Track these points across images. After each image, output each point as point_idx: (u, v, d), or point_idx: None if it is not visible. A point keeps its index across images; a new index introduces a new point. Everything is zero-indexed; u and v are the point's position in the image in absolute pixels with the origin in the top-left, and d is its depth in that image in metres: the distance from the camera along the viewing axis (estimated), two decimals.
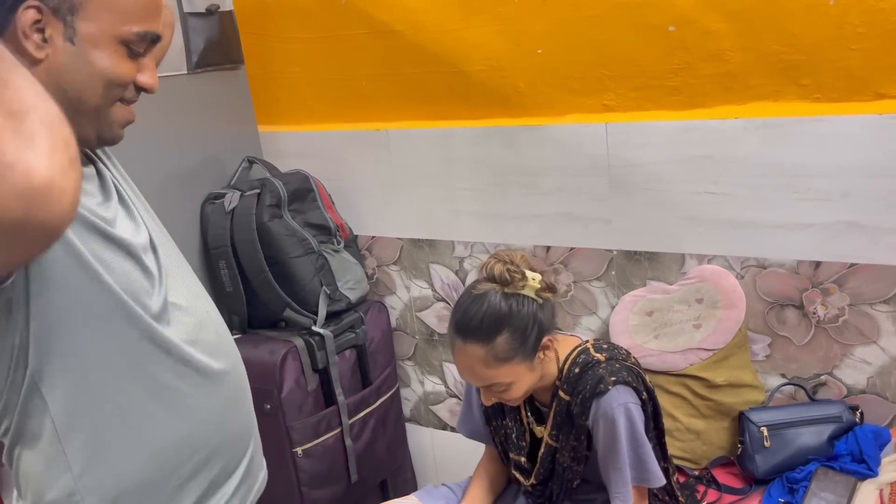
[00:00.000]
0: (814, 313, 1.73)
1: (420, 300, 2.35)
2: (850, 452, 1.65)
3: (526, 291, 1.34)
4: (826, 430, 1.68)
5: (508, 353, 1.32)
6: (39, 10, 0.81)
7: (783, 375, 1.82)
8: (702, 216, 1.80)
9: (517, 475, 1.54)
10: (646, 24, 1.72)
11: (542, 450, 1.47)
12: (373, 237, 2.31)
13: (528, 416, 1.50)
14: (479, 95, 1.98)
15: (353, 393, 2.14)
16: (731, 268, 1.80)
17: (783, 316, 1.77)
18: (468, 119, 2.03)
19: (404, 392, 2.48)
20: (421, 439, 2.50)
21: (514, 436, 1.52)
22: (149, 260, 0.97)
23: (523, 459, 1.51)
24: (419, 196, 2.16)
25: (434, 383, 2.42)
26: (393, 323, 2.39)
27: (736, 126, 1.69)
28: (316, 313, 2.04)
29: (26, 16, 0.80)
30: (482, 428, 1.62)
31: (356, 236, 2.31)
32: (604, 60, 1.80)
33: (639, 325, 1.87)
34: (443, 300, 2.30)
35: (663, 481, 1.39)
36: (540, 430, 1.48)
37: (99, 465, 0.94)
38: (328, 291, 2.06)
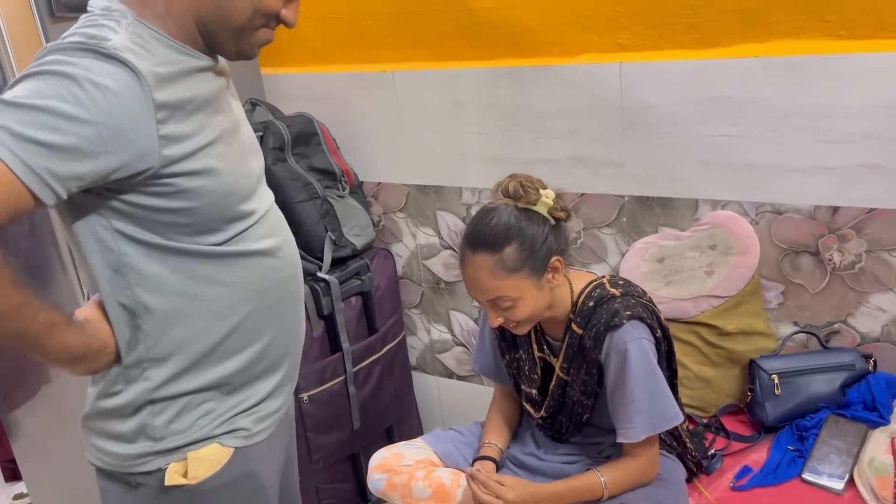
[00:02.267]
0: (829, 260, 1.69)
1: (427, 248, 2.31)
2: (863, 400, 1.63)
3: (538, 208, 1.33)
4: (838, 378, 1.66)
5: (516, 264, 1.30)
6: None
7: (796, 323, 1.79)
8: (717, 160, 1.74)
9: (528, 407, 1.53)
10: None
11: (552, 382, 1.46)
12: (378, 183, 2.26)
13: (540, 350, 1.48)
14: (488, 34, 1.91)
15: (359, 340, 2.13)
16: (745, 213, 1.75)
17: (798, 263, 1.74)
18: (476, 59, 1.97)
19: (410, 340, 2.46)
20: (427, 387, 2.49)
21: (526, 368, 1.51)
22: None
23: (535, 392, 1.50)
24: (426, 140, 2.11)
25: (440, 332, 2.41)
26: (399, 271, 2.37)
27: (755, 65, 1.63)
28: (321, 259, 2.01)
29: None
30: (495, 363, 1.60)
31: (362, 182, 2.26)
32: None
33: (649, 272, 1.84)
34: (450, 248, 2.27)
35: (681, 418, 1.37)
36: (555, 362, 1.46)
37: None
38: (333, 237, 2.03)
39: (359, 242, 2.12)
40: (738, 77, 1.65)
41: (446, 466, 1.55)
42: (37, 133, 0.83)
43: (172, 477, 1.04)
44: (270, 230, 1.12)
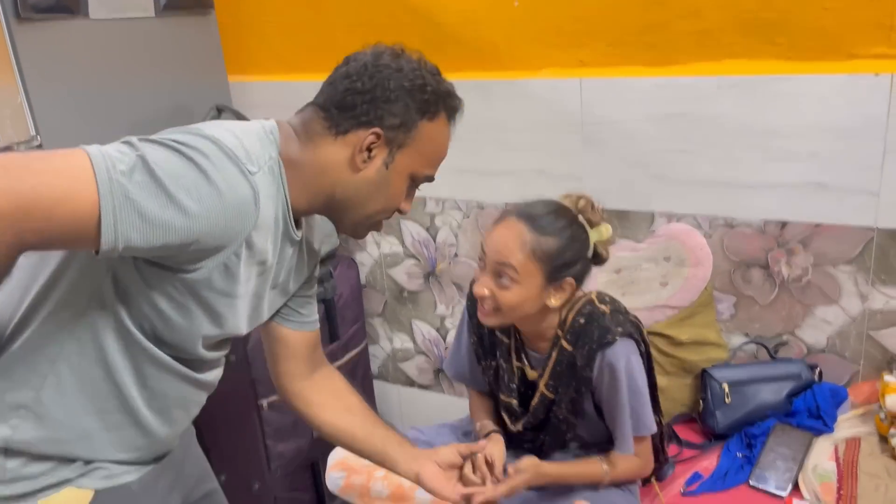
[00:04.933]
0: (778, 273, 1.76)
1: (391, 257, 2.33)
2: (808, 409, 1.68)
3: (591, 233, 1.34)
4: (785, 388, 1.72)
5: (544, 255, 1.28)
6: (378, 136, 1.01)
7: (746, 334, 1.84)
8: (672, 175, 1.80)
9: (506, 417, 1.52)
10: None
11: (535, 399, 1.45)
12: None
13: (519, 360, 1.48)
14: (454, 48, 1.96)
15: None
16: (699, 226, 1.81)
17: (748, 275, 1.79)
18: (443, 72, 2.00)
19: (372, 349, 2.47)
20: (388, 396, 2.50)
21: (505, 377, 1.49)
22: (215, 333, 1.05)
23: (515, 402, 1.49)
24: None
25: (403, 340, 2.42)
26: (362, 279, 2.38)
27: (710, 84, 1.69)
28: None
29: (369, 138, 1.00)
30: (469, 368, 1.59)
31: None
32: (581, 14, 1.78)
33: (607, 282, 1.88)
34: (413, 257, 2.29)
35: (654, 429, 1.40)
36: (533, 374, 1.46)
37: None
38: None
39: (322, 250, 2.12)
40: (693, 95, 1.71)
41: None
42: (146, 199, 0.81)
43: None
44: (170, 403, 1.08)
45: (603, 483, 1.41)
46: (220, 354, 1.13)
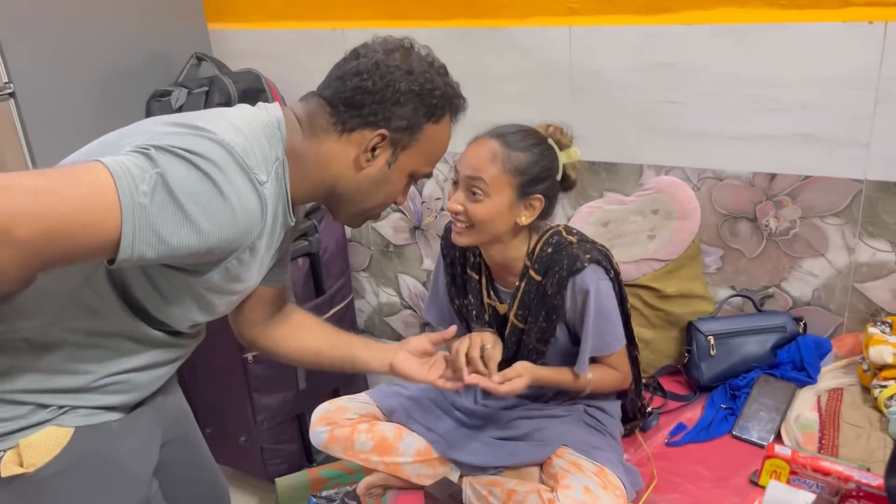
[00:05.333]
0: (766, 226, 1.75)
1: None
2: (792, 361, 1.69)
3: (561, 155, 1.37)
4: (770, 340, 1.72)
5: (514, 170, 1.32)
6: (384, 137, 1.01)
7: (732, 287, 1.84)
8: (662, 126, 1.78)
9: None
10: None
11: (507, 330, 1.47)
12: None
13: (489, 296, 1.49)
14: None
15: (306, 301, 2.12)
16: (688, 179, 1.79)
17: (736, 228, 1.79)
18: (428, 20, 1.96)
19: (358, 303, 2.46)
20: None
21: (474, 313, 1.51)
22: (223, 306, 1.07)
23: None
24: None
25: (389, 295, 2.41)
26: (348, 233, 2.36)
27: (701, 32, 1.66)
28: None
29: (375, 139, 1.01)
30: (448, 310, 1.60)
31: None
32: None
33: (594, 235, 1.84)
34: (399, 211, 2.26)
35: (619, 347, 1.43)
36: (503, 308, 1.47)
37: None
38: None
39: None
40: (684, 44, 1.68)
41: (389, 421, 1.56)
42: (164, 220, 0.83)
43: (8, 467, 0.96)
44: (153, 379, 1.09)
45: (585, 391, 1.43)
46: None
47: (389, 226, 2.31)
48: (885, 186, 1.60)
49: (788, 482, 0.67)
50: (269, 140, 0.97)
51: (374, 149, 1.02)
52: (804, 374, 1.67)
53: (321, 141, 1.01)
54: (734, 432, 1.58)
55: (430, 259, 2.29)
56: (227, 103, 1.94)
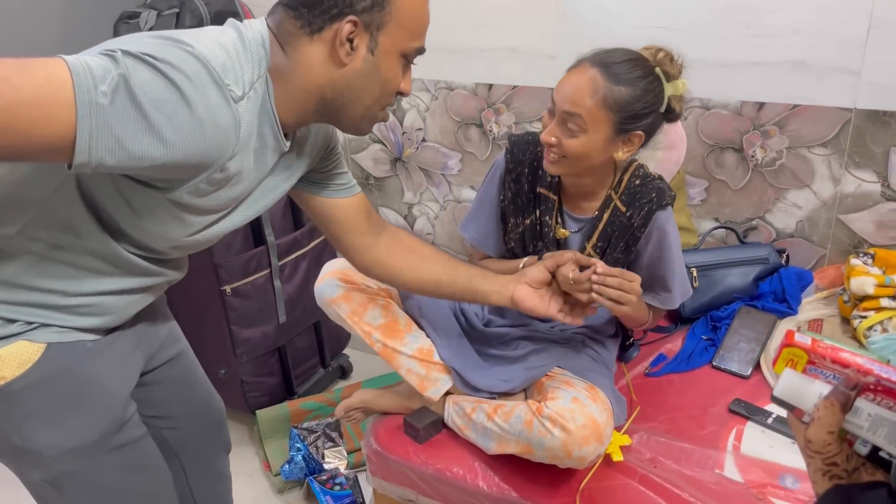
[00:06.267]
0: (752, 156, 1.72)
1: (356, 141, 2.25)
2: (774, 292, 1.69)
3: (667, 87, 1.29)
4: (752, 272, 1.72)
5: (616, 106, 1.24)
6: (355, 24, 0.93)
7: (716, 219, 1.83)
8: None
9: None
10: None
11: None
12: None
13: (556, 222, 1.45)
14: None
15: (285, 234, 2.08)
16: None
17: (722, 159, 1.76)
18: None
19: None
20: None
21: (550, 234, 1.44)
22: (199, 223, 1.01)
23: None
24: None
25: None
26: None
27: None
28: None
29: (345, 28, 0.93)
30: (492, 229, 1.52)
31: None
32: None
33: None
34: (380, 142, 2.21)
35: (691, 292, 1.46)
36: (563, 233, 1.44)
37: None
38: None
39: None
40: None
41: (403, 308, 1.51)
42: (124, 124, 0.79)
43: None
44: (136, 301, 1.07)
45: (634, 317, 1.41)
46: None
47: (369, 157, 2.26)
48: (874, 115, 1.57)
49: (805, 372, 0.66)
50: (253, 59, 0.92)
51: (350, 40, 0.95)
52: (785, 305, 1.67)
53: (296, 50, 0.96)
54: (714, 363, 1.59)
55: (412, 192, 2.25)
56: (199, 26, 1.86)
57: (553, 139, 1.29)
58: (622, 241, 1.40)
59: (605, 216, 1.40)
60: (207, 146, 0.86)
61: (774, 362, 0.75)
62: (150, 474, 1.14)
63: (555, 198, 1.44)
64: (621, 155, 1.31)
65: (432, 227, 2.27)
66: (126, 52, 0.80)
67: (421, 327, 1.50)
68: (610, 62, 1.26)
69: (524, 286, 1.29)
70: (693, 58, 1.67)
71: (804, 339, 0.71)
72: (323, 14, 0.93)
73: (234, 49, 0.89)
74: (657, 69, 1.28)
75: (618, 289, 1.23)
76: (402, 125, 2.15)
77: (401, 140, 2.18)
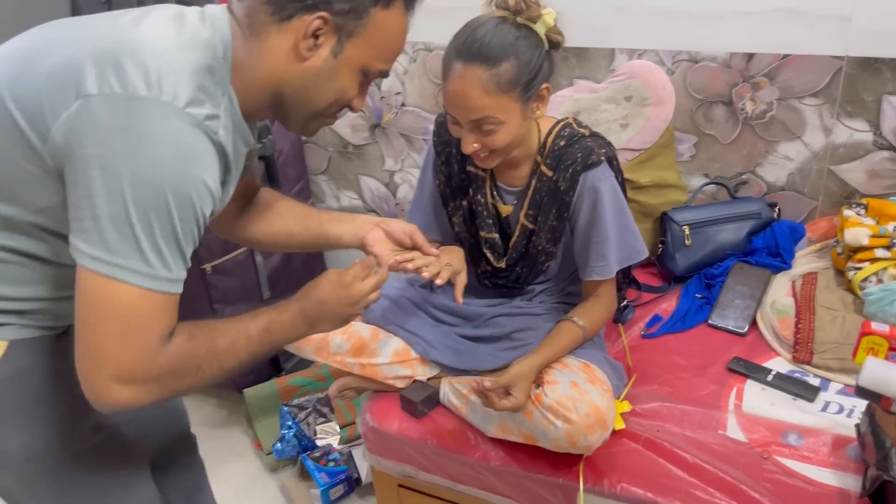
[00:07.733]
0: (742, 109, 1.68)
1: None
2: (767, 247, 1.67)
3: (538, 26, 1.21)
4: (745, 227, 1.69)
5: (510, 84, 1.18)
6: (326, 21, 0.90)
7: (706, 175, 1.80)
8: (634, 6, 1.67)
9: (489, 254, 1.45)
10: None
11: (516, 232, 1.39)
12: None
13: (491, 196, 1.40)
14: None
15: None
16: (661, 63, 1.71)
17: (711, 113, 1.72)
18: None
19: (319, 208, 2.36)
20: (338, 255, 2.43)
21: (484, 213, 1.41)
22: None
23: (497, 237, 1.42)
24: None
25: (350, 198, 2.32)
26: None
27: None
28: None
29: (315, 23, 0.89)
30: (435, 215, 1.49)
31: None
32: None
33: None
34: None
35: (646, 253, 1.37)
36: (506, 209, 1.39)
37: None
38: None
39: None
40: None
41: (365, 323, 1.49)
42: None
43: None
44: None
45: (585, 340, 1.37)
46: None
47: (347, 125, 2.19)
48: (865, 63, 1.53)
49: (887, 358, 0.65)
50: (215, 74, 0.87)
51: (315, 35, 0.90)
52: (779, 259, 1.65)
53: (262, 40, 0.90)
54: (710, 321, 1.57)
55: (392, 159, 2.18)
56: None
57: (475, 146, 1.24)
58: (553, 208, 1.34)
59: (533, 183, 1.35)
60: (207, 189, 0.87)
61: (854, 353, 0.72)
62: (125, 467, 1.10)
63: (484, 174, 1.40)
64: (540, 114, 1.27)
65: None
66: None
67: (389, 332, 1.46)
68: (476, 49, 1.18)
69: (379, 231, 1.23)
70: (680, 9, 1.63)
71: (882, 326, 0.68)
72: (298, 2, 0.89)
73: (196, 71, 0.85)
74: (519, 19, 1.21)
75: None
76: (379, 90, 2.08)
77: (379, 105, 2.11)
